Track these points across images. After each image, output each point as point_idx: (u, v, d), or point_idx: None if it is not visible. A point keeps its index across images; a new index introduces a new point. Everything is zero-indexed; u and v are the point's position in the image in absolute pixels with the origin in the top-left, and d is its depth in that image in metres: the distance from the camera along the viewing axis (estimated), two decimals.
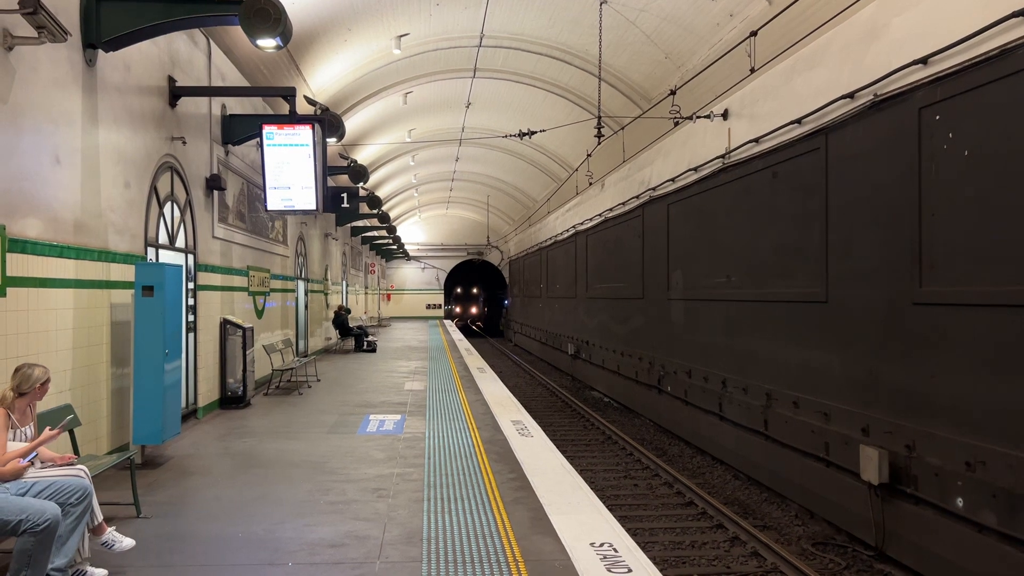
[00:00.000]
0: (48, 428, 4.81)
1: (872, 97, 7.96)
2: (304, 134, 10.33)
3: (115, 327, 7.75)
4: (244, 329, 11.66)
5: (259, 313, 14.00)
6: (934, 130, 7.07)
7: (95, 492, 4.78)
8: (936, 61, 7.01)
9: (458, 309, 64.47)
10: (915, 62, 7.22)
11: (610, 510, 6.32)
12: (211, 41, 10.90)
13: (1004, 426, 6.20)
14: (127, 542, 4.97)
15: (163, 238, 9.25)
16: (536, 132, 17.27)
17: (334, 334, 24.19)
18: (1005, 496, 6.13)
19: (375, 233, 33.54)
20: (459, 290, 64.73)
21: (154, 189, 8.87)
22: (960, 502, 6.63)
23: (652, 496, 10.48)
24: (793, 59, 9.90)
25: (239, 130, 11.77)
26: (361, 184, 19.46)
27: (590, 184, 22.38)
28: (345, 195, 19.05)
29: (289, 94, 10.40)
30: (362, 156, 24.52)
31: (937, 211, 7.02)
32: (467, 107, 24.10)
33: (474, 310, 66.91)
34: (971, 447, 6.51)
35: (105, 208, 7.51)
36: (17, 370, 4.82)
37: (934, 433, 7.00)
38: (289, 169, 10.43)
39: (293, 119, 10.39)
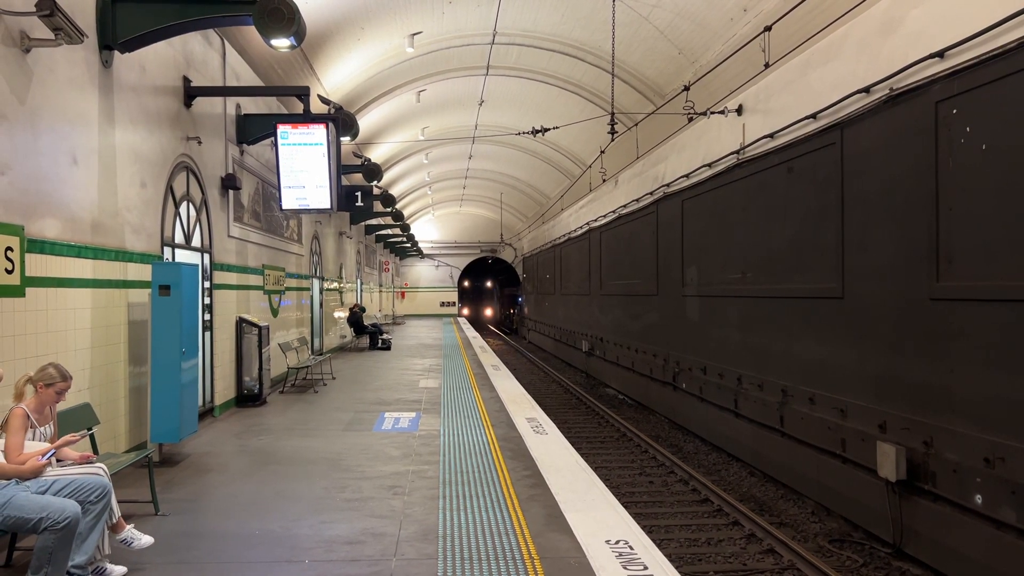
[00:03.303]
0: (71, 435, 4.87)
1: (888, 91, 7.89)
2: (318, 133, 10.37)
3: (132, 326, 7.82)
4: (260, 327, 11.72)
5: (274, 312, 14.08)
6: (951, 124, 7.00)
7: (114, 490, 4.82)
8: (953, 55, 6.94)
9: (466, 311, 61.91)
10: (932, 55, 7.15)
11: (625, 507, 6.31)
12: (225, 41, 10.95)
13: None
14: (146, 539, 5.01)
15: (179, 237, 9.32)
16: (549, 129, 17.23)
17: (349, 332, 24.29)
18: None
19: (389, 231, 33.62)
20: (473, 287, 63.06)
21: (170, 189, 8.93)
22: (979, 499, 6.58)
23: (667, 493, 10.46)
24: (808, 53, 9.83)
25: (254, 129, 11.82)
26: (375, 182, 19.50)
27: (604, 181, 22.32)
28: (359, 193, 19.09)
29: (303, 93, 10.44)
30: (376, 154, 24.58)
31: (954, 205, 6.95)
32: (480, 104, 24.10)
33: (489, 311, 64.10)
34: (990, 443, 6.45)
35: (122, 208, 7.57)
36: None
37: (952, 429, 6.94)
38: (304, 168, 10.47)
39: (307, 118, 10.43)
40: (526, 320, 44.49)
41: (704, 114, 12.78)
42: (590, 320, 24.27)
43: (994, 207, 6.49)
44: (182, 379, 7.60)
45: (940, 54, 7.06)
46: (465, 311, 62.10)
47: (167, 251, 8.89)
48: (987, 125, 6.58)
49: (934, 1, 7.29)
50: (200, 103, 9.87)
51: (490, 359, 19.47)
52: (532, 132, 17.20)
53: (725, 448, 12.61)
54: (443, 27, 17.45)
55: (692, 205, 14.12)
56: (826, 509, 9.27)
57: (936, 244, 7.18)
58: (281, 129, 10.43)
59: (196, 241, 9.92)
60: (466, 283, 60.42)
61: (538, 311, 38.50)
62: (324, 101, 13.23)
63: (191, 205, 9.73)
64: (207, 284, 10.22)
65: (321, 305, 19.87)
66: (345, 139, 13.79)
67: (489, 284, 64.40)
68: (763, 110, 11.06)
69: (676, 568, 4.91)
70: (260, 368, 11.75)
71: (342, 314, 23.53)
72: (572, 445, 8.77)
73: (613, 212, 20.43)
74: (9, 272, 5.52)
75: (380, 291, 37.96)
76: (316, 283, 19.17)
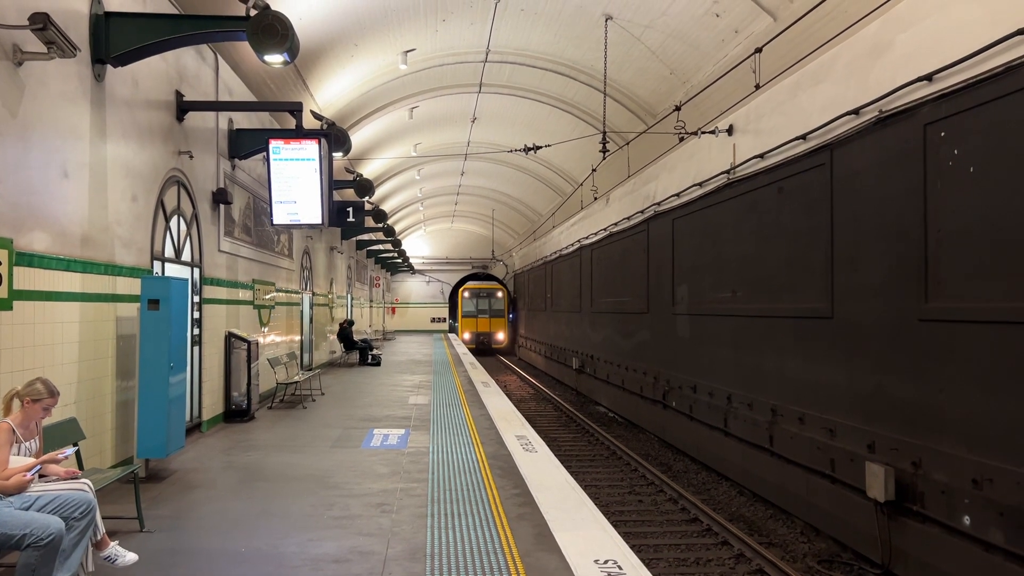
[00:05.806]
0: (58, 453, 4.83)
1: (877, 113, 7.97)
2: (310, 148, 10.37)
3: (120, 340, 7.77)
4: (249, 342, 11.66)
5: (264, 326, 14.01)
6: (940, 146, 7.07)
7: (98, 506, 4.77)
8: (941, 78, 7.02)
9: (467, 335, 46.75)
10: (920, 79, 7.24)
11: (615, 526, 6.29)
12: (219, 56, 10.97)
13: (1012, 443, 6.16)
14: (130, 556, 4.96)
15: (169, 251, 9.28)
16: (541, 147, 17.31)
17: (339, 347, 24.19)
18: (1013, 514, 6.09)
19: (380, 247, 33.60)
20: (475, 298, 48.12)
21: (161, 203, 8.91)
22: (967, 520, 6.58)
23: (657, 512, 10.43)
24: (798, 75, 9.93)
25: (246, 144, 11.82)
26: (367, 198, 19.54)
27: (595, 199, 22.41)
28: (351, 209, 19.07)
29: (296, 109, 10.46)
30: (368, 170, 24.60)
31: (943, 227, 7.01)
32: (473, 122, 24.19)
33: (501, 335, 46.42)
34: (978, 464, 6.47)
35: (112, 222, 7.54)
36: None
37: (941, 450, 6.96)
38: (295, 183, 10.46)
39: (299, 134, 10.44)
40: (517, 336, 44.41)
41: (695, 134, 12.87)
42: (581, 337, 24.27)
43: (982, 229, 6.55)
44: (170, 394, 7.54)
45: (928, 77, 7.15)
46: (465, 335, 45.75)
47: (157, 265, 8.85)
48: (975, 148, 6.65)
49: (923, 25, 7.39)
50: (192, 117, 9.87)
51: (480, 376, 19.42)
52: (524, 150, 17.26)
53: (715, 467, 12.59)
54: (437, 44, 17.54)
55: (683, 224, 14.18)
56: (815, 529, 9.26)
57: (925, 265, 7.22)
58: (273, 144, 10.43)
59: (186, 255, 9.88)
60: (466, 293, 47.00)
61: (529, 328, 38.48)
62: (317, 117, 13.26)
63: (182, 219, 9.70)
64: (196, 298, 10.17)
65: (311, 320, 19.80)
66: (337, 155, 13.81)
67: (500, 294, 46.82)
68: (753, 131, 11.14)
69: None
70: (249, 383, 11.67)
71: (332, 330, 23.44)
72: (562, 463, 8.73)
73: (604, 230, 20.49)
74: None
75: (371, 306, 37.87)
76: (306, 298, 19.11)
